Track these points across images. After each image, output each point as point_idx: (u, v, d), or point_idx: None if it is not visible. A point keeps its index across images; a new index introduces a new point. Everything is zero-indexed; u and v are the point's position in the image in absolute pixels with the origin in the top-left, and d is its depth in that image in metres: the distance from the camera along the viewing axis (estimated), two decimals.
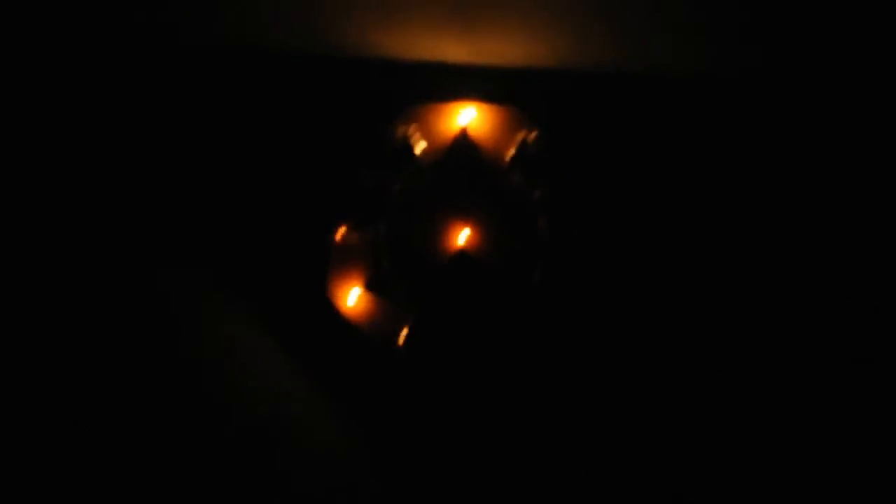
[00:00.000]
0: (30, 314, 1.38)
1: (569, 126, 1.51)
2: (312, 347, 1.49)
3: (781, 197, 1.47)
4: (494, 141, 1.51)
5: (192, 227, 1.51)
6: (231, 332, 1.49)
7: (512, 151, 1.50)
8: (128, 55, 1.52)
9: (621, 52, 1.50)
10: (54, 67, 1.52)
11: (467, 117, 1.51)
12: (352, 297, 1.48)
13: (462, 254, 1.46)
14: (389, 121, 1.52)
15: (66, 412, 1.34)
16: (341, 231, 1.50)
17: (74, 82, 1.52)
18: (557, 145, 1.49)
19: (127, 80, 1.53)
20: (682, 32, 1.42)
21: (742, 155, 1.49)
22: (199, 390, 1.43)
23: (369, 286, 1.48)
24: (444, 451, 1.44)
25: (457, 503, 1.44)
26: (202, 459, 1.37)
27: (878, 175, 1.46)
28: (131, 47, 1.52)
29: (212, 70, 1.54)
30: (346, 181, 1.51)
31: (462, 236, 1.47)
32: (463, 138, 1.50)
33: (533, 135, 1.49)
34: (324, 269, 1.49)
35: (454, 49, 1.51)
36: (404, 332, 1.46)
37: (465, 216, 1.48)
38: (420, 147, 1.51)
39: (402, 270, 1.48)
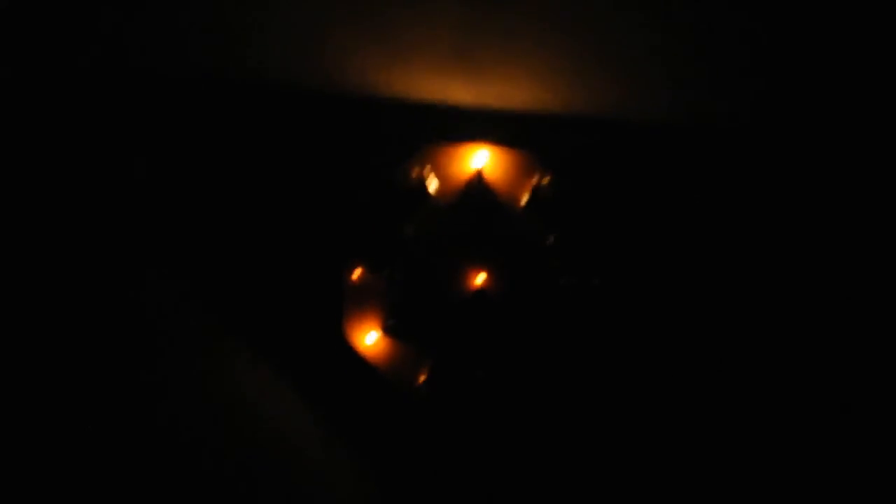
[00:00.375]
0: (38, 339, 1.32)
1: (580, 172, 1.54)
2: (328, 389, 1.49)
3: (786, 246, 1.56)
4: (508, 184, 1.53)
5: (204, 270, 1.48)
6: (244, 375, 1.47)
7: (526, 195, 1.53)
8: (136, 89, 1.47)
9: (626, 100, 1.53)
10: (54, 101, 1.44)
11: (481, 160, 1.53)
12: (369, 338, 1.49)
13: (478, 296, 1.49)
14: (402, 161, 1.52)
15: (81, 434, 1.30)
16: (356, 272, 1.50)
17: (91, 113, 1.45)
18: (570, 191, 1.53)
19: (136, 115, 1.47)
20: (685, 83, 1.47)
21: (749, 203, 1.56)
22: (211, 434, 1.41)
23: (387, 330, 1.49)
24: (464, 493, 1.48)
25: None
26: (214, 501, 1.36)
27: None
28: (138, 82, 1.46)
29: (218, 107, 1.51)
30: (361, 220, 1.51)
31: (477, 279, 1.50)
32: (478, 181, 1.52)
33: (546, 179, 1.53)
34: (339, 311, 1.49)
35: (461, 91, 1.51)
36: (423, 374, 1.48)
37: (479, 259, 1.51)
38: (434, 188, 1.52)
39: (419, 313, 1.50)
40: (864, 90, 1.41)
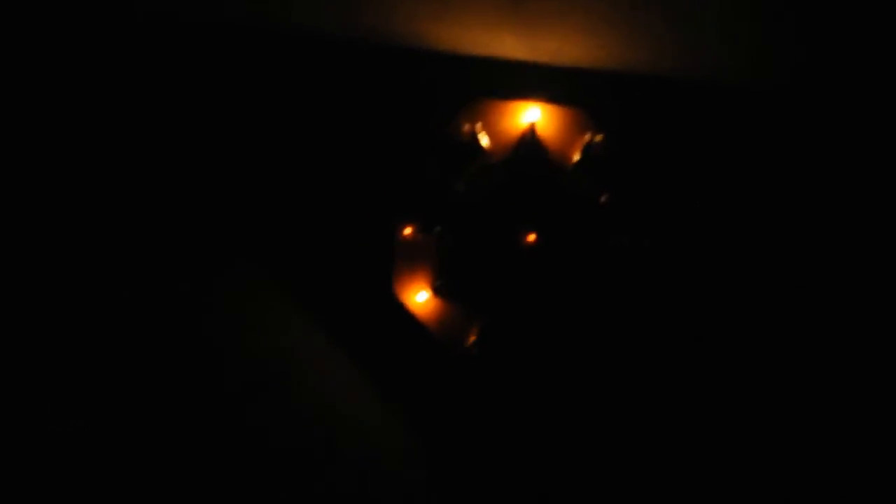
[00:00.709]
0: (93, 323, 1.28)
1: (633, 130, 1.52)
2: (378, 348, 1.46)
3: (830, 202, 1.56)
4: (560, 142, 1.51)
5: (256, 230, 1.43)
6: (294, 334, 1.43)
7: (578, 154, 1.50)
8: (181, 40, 1.41)
9: (680, 57, 1.51)
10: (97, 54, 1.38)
11: (533, 117, 1.50)
12: (420, 297, 1.46)
13: (529, 255, 1.47)
14: (453, 116, 1.48)
15: (126, 409, 1.27)
16: (407, 230, 1.46)
17: (127, 68, 1.39)
18: (623, 149, 1.51)
19: (185, 68, 1.42)
20: (740, 41, 1.46)
21: (804, 165, 1.55)
22: (262, 393, 1.38)
23: (437, 290, 1.46)
24: (510, 453, 1.46)
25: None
26: (259, 464, 1.34)
27: None
28: (183, 33, 1.40)
29: (266, 59, 1.46)
30: (412, 177, 1.47)
31: (528, 237, 1.47)
32: (529, 138, 1.49)
33: (599, 137, 1.50)
34: (390, 269, 1.46)
35: (513, 45, 1.48)
36: (473, 334, 1.46)
37: (530, 217, 1.48)
38: (485, 144, 1.49)
39: (469, 273, 1.47)
40: None
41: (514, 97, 1.50)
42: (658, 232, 1.51)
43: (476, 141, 1.48)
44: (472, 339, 1.46)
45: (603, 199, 1.50)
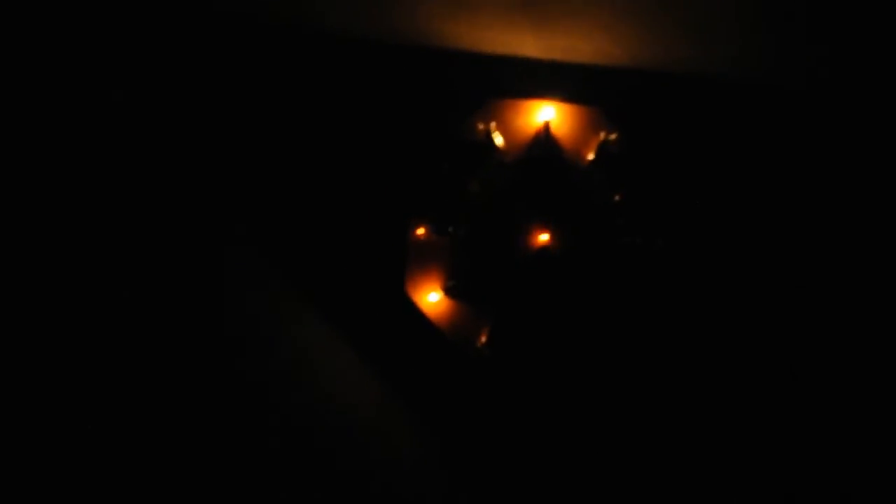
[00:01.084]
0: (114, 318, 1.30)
1: (648, 129, 1.50)
2: (391, 347, 1.47)
3: (852, 201, 1.52)
4: (574, 141, 1.49)
5: (269, 228, 1.44)
6: (307, 332, 1.45)
7: (592, 153, 1.48)
8: (200, 35, 1.42)
9: (695, 56, 1.49)
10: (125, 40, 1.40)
11: (547, 115, 1.48)
12: (432, 298, 1.46)
13: (542, 255, 1.46)
14: (466, 115, 1.48)
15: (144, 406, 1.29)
16: (420, 230, 1.46)
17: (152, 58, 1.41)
18: (637, 148, 1.49)
19: (198, 62, 1.43)
20: (755, 40, 1.43)
21: (821, 164, 1.52)
22: (275, 391, 1.39)
23: (448, 292, 1.46)
24: (522, 452, 1.46)
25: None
26: (271, 460, 1.35)
27: None
28: (206, 27, 1.42)
29: (283, 57, 1.47)
30: (425, 177, 1.47)
31: (541, 237, 1.46)
32: (544, 137, 1.48)
33: (613, 136, 1.48)
34: (402, 269, 1.46)
35: (528, 44, 1.47)
36: (485, 333, 1.46)
37: (544, 217, 1.47)
38: (499, 144, 1.48)
39: (482, 272, 1.46)
40: None
41: (528, 96, 1.49)
42: (671, 231, 1.49)
43: (490, 140, 1.48)
44: (484, 339, 1.46)
45: (617, 198, 1.48)
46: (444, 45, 1.48)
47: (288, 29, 1.46)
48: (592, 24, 1.39)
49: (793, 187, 1.52)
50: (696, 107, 1.52)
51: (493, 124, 1.48)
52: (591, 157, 1.49)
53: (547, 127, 1.48)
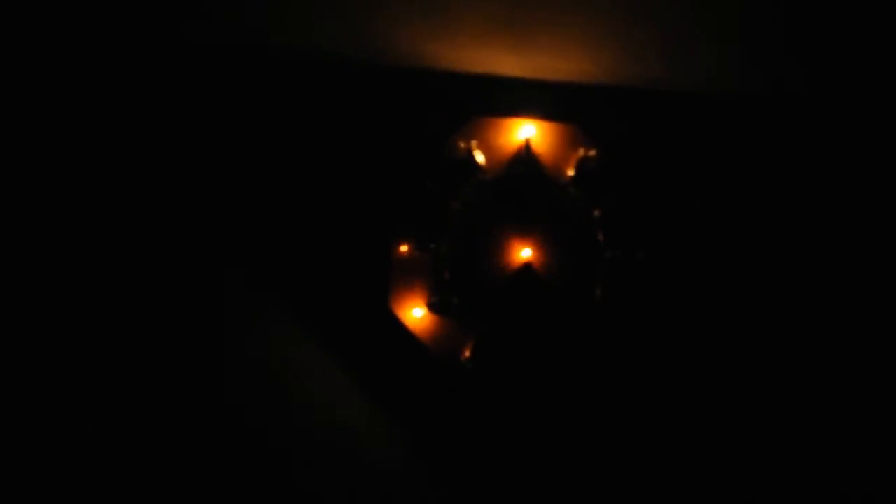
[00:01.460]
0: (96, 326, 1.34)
1: (626, 144, 1.53)
2: (375, 363, 1.49)
3: (826, 214, 1.55)
4: (554, 157, 1.52)
5: (252, 245, 1.47)
6: (291, 349, 1.47)
7: (572, 169, 1.51)
8: (182, 60, 1.46)
9: (671, 72, 1.52)
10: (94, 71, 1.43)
11: (527, 133, 1.51)
12: (416, 313, 1.49)
13: (524, 271, 1.48)
14: (448, 134, 1.51)
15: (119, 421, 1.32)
16: (403, 247, 1.49)
17: (124, 89, 1.45)
18: (616, 163, 1.52)
19: (181, 88, 1.46)
20: (730, 55, 1.45)
21: (796, 174, 1.55)
22: (258, 407, 1.42)
23: (431, 307, 1.48)
24: (506, 465, 1.48)
25: None
26: (256, 476, 1.37)
27: None
28: (186, 53, 1.46)
29: (266, 79, 1.51)
30: (408, 195, 1.50)
31: (523, 253, 1.49)
32: (524, 154, 1.51)
33: (592, 152, 1.51)
34: (386, 285, 1.49)
35: (507, 62, 1.50)
36: (468, 347, 1.48)
37: (525, 233, 1.50)
38: (480, 162, 1.51)
39: (464, 287, 1.49)
40: None
41: (508, 114, 1.53)
42: (651, 244, 1.52)
43: (471, 158, 1.51)
44: (467, 353, 1.49)
45: (597, 212, 1.51)
46: (425, 66, 1.52)
47: (273, 53, 1.49)
48: (570, 44, 1.43)
49: (771, 197, 1.55)
50: (672, 122, 1.55)
51: (473, 142, 1.51)
52: (570, 173, 1.52)
53: (527, 144, 1.51)
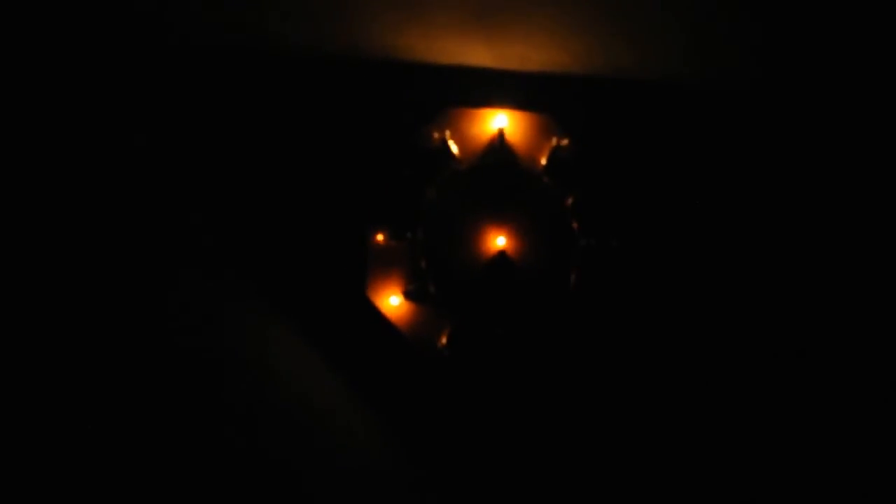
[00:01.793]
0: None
1: (598, 133, 1.56)
2: (352, 351, 1.52)
3: (796, 201, 1.57)
4: (527, 147, 1.55)
5: (230, 235, 1.50)
6: (269, 338, 1.50)
7: (545, 158, 1.54)
8: (154, 58, 1.49)
9: (643, 61, 1.54)
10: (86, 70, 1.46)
11: (500, 123, 1.54)
12: (392, 301, 1.51)
13: (498, 258, 1.51)
14: (422, 125, 1.54)
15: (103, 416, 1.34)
16: (379, 236, 1.52)
17: (103, 87, 1.48)
18: (588, 152, 1.54)
19: (154, 85, 1.49)
20: (701, 44, 1.47)
21: (765, 164, 1.57)
22: (237, 397, 1.44)
23: (407, 295, 1.51)
24: (483, 451, 1.51)
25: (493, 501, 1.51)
26: (234, 463, 1.39)
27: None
28: (157, 51, 1.48)
29: (239, 73, 1.53)
30: (383, 185, 1.53)
31: (498, 241, 1.51)
32: (497, 144, 1.53)
33: (565, 141, 1.54)
34: (363, 274, 1.51)
35: (480, 53, 1.52)
36: (444, 334, 1.51)
37: (499, 221, 1.52)
38: (454, 152, 1.53)
39: (440, 276, 1.52)
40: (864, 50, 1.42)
41: (481, 105, 1.55)
42: (625, 232, 1.54)
43: (446, 148, 1.53)
44: (444, 340, 1.51)
45: (570, 201, 1.53)
46: (398, 58, 1.54)
47: (245, 49, 1.51)
48: (543, 34, 1.45)
49: (743, 185, 1.57)
50: (644, 111, 1.58)
51: (447, 133, 1.53)
52: (543, 162, 1.54)
53: (501, 134, 1.53)
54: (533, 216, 1.53)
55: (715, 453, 1.51)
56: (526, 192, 1.54)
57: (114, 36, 1.49)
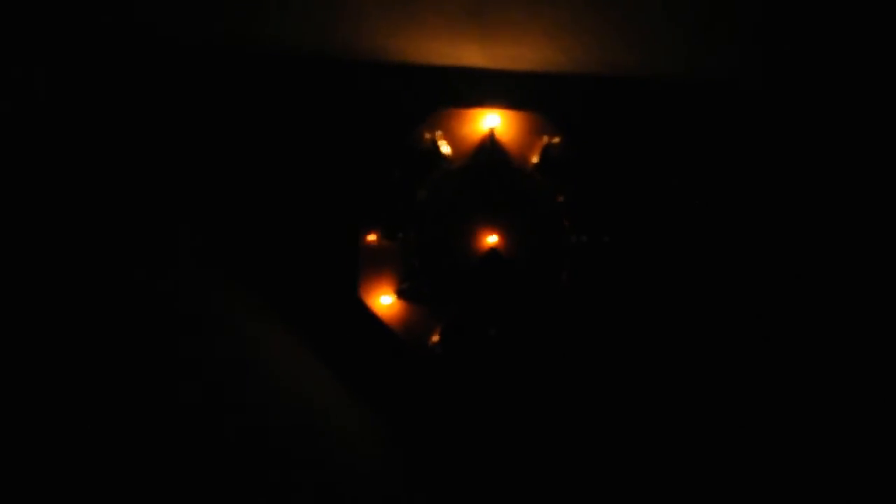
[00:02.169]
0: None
1: (589, 131, 1.55)
2: (346, 350, 1.53)
3: (790, 197, 1.55)
4: (519, 146, 1.55)
5: (223, 235, 1.52)
6: (262, 338, 1.51)
7: (536, 156, 1.54)
8: (148, 56, 1.52)
9: (634, 59, 1.53)
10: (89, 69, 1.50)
11: (491, 123, 1.55)
12: (384, 300, 1.53)
13: (490, 257, 1.51)
14: (414, 126, 1.55)
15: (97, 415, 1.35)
16: (371, 236, 1.53)
17: (100, 87, 1.51)
18: (580, 150, 1.54)
19: (149, 83, 1.52)
20: (694, 41, 1.47)
21: (758, 160, 1.56)
22: (230, 396, 1.45)
23: (400, 294, 1.52)
24: (476, 449, 1.51)
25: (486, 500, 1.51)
26: (226, 461, 1.40)
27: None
28: (151, 49, 1.52)
29: (232, 73, 1.55)
30: (375, 186, 1.54)
31: (490, 240, 1.52)
32: (489, 143, 1.54)
33: (556, 140, 1.54)
34: (356, 274, 1.53)
35: (472, 53, 1.53)
36: (436, 333, 1.52)
37: (491, 220, 1.53)
38: (446, 152, 1.54)
39: (431, 277, 1.53)
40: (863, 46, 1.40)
41: (473, 105, 1.56)
42: (617, 228, 1.54)
43: (437, 149, 1.54)
44: (436, 338, 1.52)
45: (561, 199, 1.53)
46: (390, 59, 1.55)
47: (236, 50, 1.54)
48: (536, 33, 1.45)
49: (737, 182, 1.56)
50: (635, 108, 1.57)
51: (439, 133, 1.55)
52: (535, 160, 1.54)
53: (492, 134, 1.54)
54: (524, 214, 1.53)
55: (707, 450, 1.50)
56: (517, 191, 1.54)
57: (112, 36, 1.52)
